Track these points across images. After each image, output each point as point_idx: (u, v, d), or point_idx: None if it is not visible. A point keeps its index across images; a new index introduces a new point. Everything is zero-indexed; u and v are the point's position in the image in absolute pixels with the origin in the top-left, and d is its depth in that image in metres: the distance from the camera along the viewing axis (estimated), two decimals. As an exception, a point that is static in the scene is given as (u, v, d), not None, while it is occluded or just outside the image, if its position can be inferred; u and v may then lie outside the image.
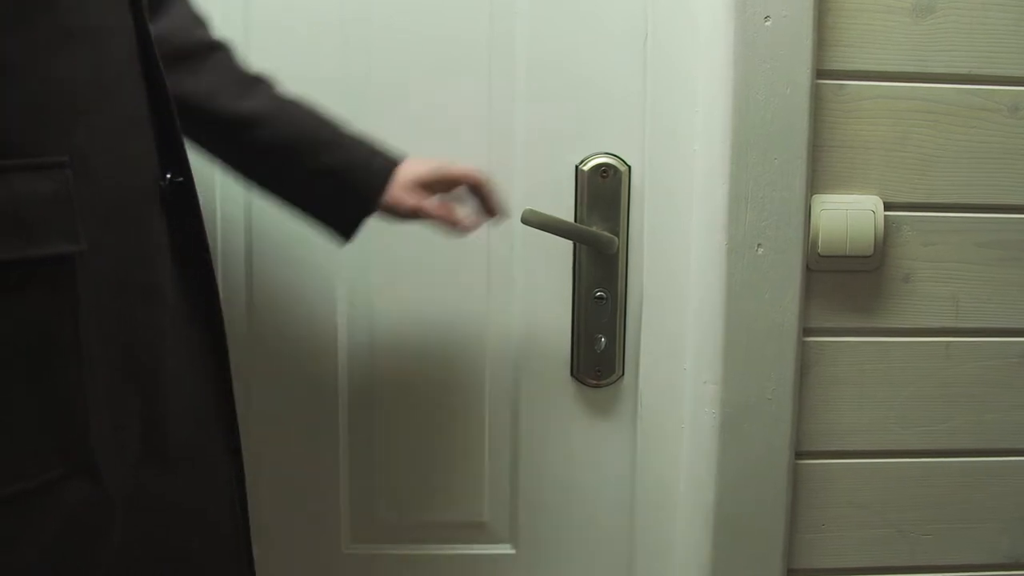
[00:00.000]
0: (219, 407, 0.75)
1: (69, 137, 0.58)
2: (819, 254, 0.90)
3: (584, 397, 1.03)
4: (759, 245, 0.89)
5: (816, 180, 0.89)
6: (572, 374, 1.02)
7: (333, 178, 0.83)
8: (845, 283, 0.91)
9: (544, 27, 0.96)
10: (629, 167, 0.97)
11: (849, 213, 0.89)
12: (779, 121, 0.87)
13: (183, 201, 0.70)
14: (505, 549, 1.06)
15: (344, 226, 0.85)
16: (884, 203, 0.90)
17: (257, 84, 0.83)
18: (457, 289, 1.00)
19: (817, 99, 0.88)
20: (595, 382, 1.01)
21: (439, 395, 1.02)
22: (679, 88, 0.92)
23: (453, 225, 0.86)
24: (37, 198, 0.56)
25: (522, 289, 1.00)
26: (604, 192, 0.98)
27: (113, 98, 0.63)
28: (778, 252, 0.89)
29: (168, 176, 0.69)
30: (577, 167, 0.97)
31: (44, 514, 0.57)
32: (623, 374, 1.02)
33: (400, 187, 0.84)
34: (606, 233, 0.97)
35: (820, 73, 0.88)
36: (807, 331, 0.92)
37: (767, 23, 0.86)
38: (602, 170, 0.97)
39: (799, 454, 0.94)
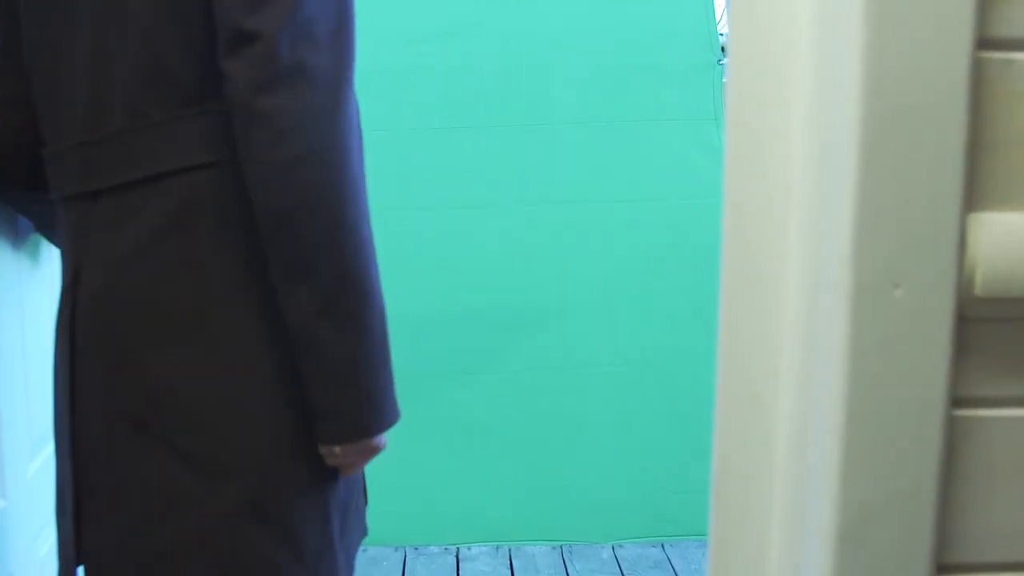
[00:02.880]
0: None
1: None
2: (977, 296, 0.64)
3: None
4: (896, 285, 0.63)
5: (975, 192, 0.64)
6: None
7: None
8: (1012, 336, 0.66)
9: None
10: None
11: (1020, 239, 0.64)
12: (926, 109, 0.62)
13: None
14: None
15: None
16: (1066, 224, 0.65)
17: None
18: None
19: (978, 79, 0.63)
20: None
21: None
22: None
23: None
24: None
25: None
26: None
27: None
28: (922, 294, 0.64)
29: None
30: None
31: None
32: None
33: None
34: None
35: (982, 42, 0.62)
36: (958, 401, 0.66)
37: (914, -31, 0.60)
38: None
39: (942, 567, 0.68)
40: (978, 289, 0.64)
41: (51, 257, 1.28)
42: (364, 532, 1.17)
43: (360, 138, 0.98)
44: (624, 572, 2.62)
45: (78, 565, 1.02)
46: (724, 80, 2.79)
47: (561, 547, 2.76)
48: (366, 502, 1.16)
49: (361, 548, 2.95)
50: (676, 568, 2.63)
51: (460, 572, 2.62)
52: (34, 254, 1.29)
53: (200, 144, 0.94)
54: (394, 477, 2.86)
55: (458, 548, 2.75)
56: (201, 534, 0.97)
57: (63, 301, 1.02)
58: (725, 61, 2.78)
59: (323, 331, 0.93)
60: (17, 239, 1.23)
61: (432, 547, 2.74)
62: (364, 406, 0.98)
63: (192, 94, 0.94)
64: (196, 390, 0.96)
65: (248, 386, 0.97)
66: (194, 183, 0.94)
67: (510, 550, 2.74)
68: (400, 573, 2.61)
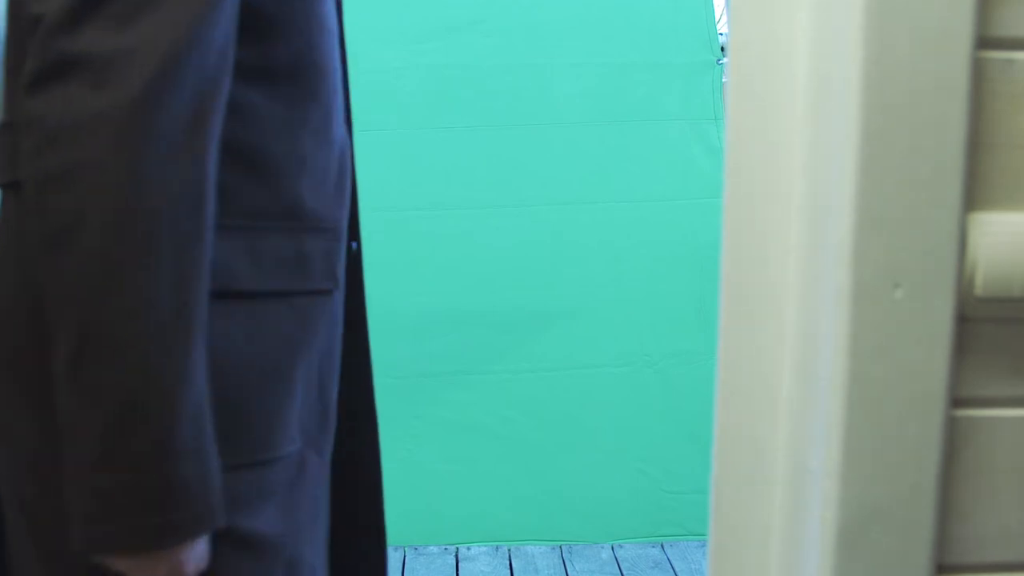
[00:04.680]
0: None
1: (333, 211, 0.86)
2: (977, 297, 0.64)
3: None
4: (896, 285, 0.63)
5: (975, 192, 0.64)
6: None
7: None
8: (1012, 336, 0.66)
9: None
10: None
11: (1020, 239, 0.64)
12: (925, 109, 0.62)
13: (357, 262, 0.96)
14: None
15: None
16: (1067, 224, 0.65)
17: None
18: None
19: (978, 79, 0.63)
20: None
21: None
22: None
23: None
24: (317, 252, 0.83)
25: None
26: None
27: (346, 186, 0.89)
28: (922, 294, 0.64)
29: (353, 243, 0.94)
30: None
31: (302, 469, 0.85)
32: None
33: None
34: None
35: (983, 41, 0.62)
36: (958, 402, 0.66)
37: (914, -32, 0.60)
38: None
39: (943, 567, 0.68)
40: (978, 289, 0.64)
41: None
42: None
43: (214, 141, 0.71)
44: (624, 572, 2.62)
45: None
46: (724, 80, 2.80)
47: (561, 547, 2.76)
48: None
49: (361, 548, 2.93)
50: (676, 568, 2.63)
51: (460, 572, 2.62)
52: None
53: None
54: (394, 477, 2.87)
55: (458, 548, 2.75)
56: None
57: None
58: (725, 61, 2.78)
59: (68, 397, 0.69)
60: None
61: (432, 547, 2.74)
62: (110, 508, 0.68)
63: None
64: (24, 433, 0.78)
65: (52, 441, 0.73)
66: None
67: (510, 550, 2.74)
68: (400, 573, 2.61)
